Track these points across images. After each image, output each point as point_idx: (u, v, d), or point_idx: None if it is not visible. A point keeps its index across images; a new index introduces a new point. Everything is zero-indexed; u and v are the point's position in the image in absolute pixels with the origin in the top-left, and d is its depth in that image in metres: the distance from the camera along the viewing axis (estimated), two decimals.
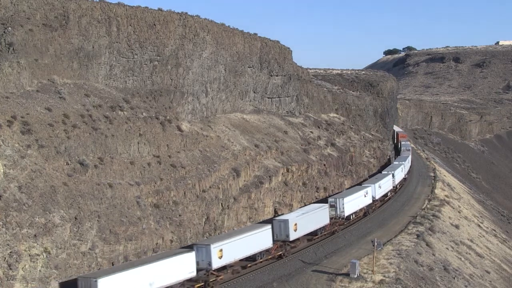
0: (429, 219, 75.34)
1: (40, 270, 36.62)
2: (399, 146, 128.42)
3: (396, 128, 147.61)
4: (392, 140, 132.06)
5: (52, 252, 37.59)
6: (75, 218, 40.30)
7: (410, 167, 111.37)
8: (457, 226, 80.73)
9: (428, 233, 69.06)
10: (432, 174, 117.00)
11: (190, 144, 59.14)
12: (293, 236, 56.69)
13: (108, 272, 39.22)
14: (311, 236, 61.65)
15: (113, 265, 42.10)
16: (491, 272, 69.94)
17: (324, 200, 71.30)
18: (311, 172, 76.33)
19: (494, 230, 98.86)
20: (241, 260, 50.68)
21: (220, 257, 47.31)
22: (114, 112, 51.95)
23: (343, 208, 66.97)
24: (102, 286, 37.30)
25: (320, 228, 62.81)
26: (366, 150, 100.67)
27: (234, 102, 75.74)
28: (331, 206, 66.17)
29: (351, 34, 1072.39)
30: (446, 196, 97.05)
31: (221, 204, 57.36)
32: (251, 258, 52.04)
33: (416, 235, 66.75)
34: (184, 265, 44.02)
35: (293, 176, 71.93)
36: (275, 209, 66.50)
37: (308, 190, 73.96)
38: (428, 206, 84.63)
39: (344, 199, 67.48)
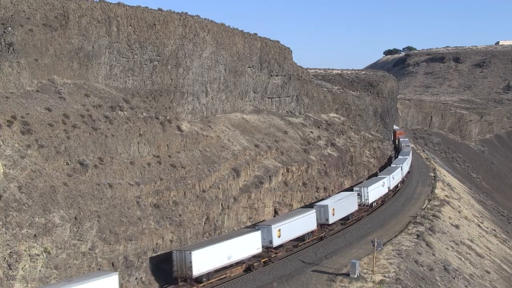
0: (429, 219, 75.29)
1: (40, 270, 36.61)
2: (398, 143, 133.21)
3: (394, 126, 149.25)
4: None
5: (52, 252, 37.58)
6: (75, 218, 40.29)
7: (411, 161, 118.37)
8: (457, 226, 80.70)
9: (428, 233, 69.03)
10: (432, 174, 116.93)
11: (190, 144, 59.12)
12: (331, 220, 63.98)
13: (199, 246, 46.69)
14: (344, 220, 68.49)
15: (113, 265, 42.12)
16: (491, 272, 69.91)
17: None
18: (311, 172, 76.29)
19: (494, 230, 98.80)
20: (291, 240, 57.47)
21: (279, 236, 54.77)
22: (114, 112, 51.94)
23: (368, 196, 74.66)
24: (195, 257, 44.47)
25: (350, 214, 69.96)
26: (366, 150, 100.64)
27: (234, 102, 75.72)
28: (357, 194, 73.18)
29: (351, 34, 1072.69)
30: (446, 196, 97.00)
31: (221, 204, 57.33)
32: (300, 239, 59.37)
33: (416, 235, 66.72)
34: (253, 242, 51.31)
35: (293, 176, 71.89)
36: (275, 209, 66.46)
37: (308, 190, 73.92)
38: (428, 206, 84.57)
39: (368, 188, 75.11)
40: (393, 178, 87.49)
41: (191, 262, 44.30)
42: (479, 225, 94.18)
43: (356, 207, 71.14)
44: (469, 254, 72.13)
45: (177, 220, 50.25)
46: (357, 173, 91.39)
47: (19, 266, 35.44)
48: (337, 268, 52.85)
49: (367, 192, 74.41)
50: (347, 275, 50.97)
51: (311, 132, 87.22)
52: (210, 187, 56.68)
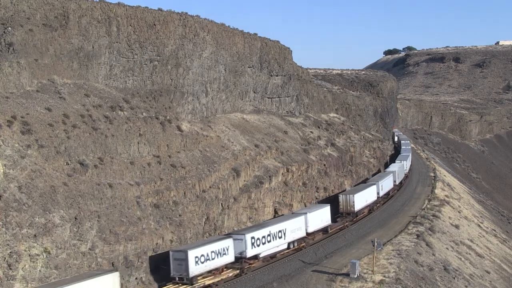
0: (429, 219, 75.30)
1: (40, 270, 36.62)
2: (393, 135, 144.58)
3: None
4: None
5: (52, 252, 37.59)
6: (75, 218, 40.30)
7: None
8: (457, 226, 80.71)
9: (428, 233, 69.04)
10: (432, 174, 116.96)
11: (190, 144, 59.13)
12: (397, 181, 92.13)
13: (354, 191, 71.80)
14: (400, 183, 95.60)
15: (113, 265, 42.14)
16: (491, 272, 69.92)
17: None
18: (311, 172, 76.27)
19: (494, 230, 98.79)
20: (385, 193, 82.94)
21: (381, 190, 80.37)
22: (114, 112, 51.94)
23: (407, 166, 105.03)
24: (356, 198, 69.15)
25: (403, 178, 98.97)
26: (366, 150, 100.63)
27: (234, 102, 75.72)
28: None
29: (351, 34, 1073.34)
30: (446, 196, 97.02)
31: (221, 204, 57.32)
32: (387, 193, 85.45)
33: (416, 235, 66.72)
34: (373, 192, 77.00)
35: (293, 176, 71.87)
36: (275, 209, 66.45)
37: (308, 190, 73.90)
38: (428, 206, 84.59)
39: (407, 160, 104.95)
40: (411, 157, 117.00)
41: (353, 202, 68.83)
42: (479, 225, 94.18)
43: (404, 175, 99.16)
44: (469, 254, 72.14)
45: (177, 220, 50.26)
46: (357, 173, 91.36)
47: (19, 266, 35.45)
48: (337, 268, 52.85)
49: (406, 163, 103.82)
50: (347, 275, 50.97)
51: (311, 132, 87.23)
52: (210, 187, 56.67)
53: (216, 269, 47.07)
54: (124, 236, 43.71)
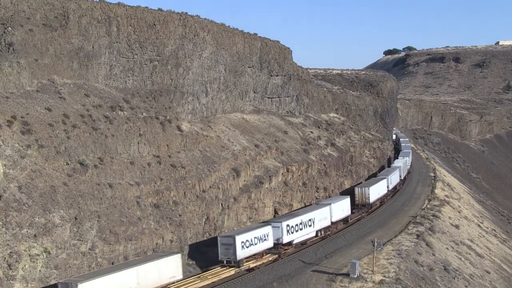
0: (429, 219, 75.31)
1: (40, 270, 36.63)
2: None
3: None
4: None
5: (52, 252, 37.60)
6: (75, 218, 40.31)
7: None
8: (457, 226, 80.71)
9: (428, 233, 69.04)
10: (432, 174, 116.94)
11: (190, 144, 59.13)
12: (402, 176, 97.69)
13: (368, 184, 77.60)
14: (404, 179, 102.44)
15: (113, 264, 42.15)
16: (491, 272, 69.92)
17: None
18: (311, 172, 76.27)
19: (494, 230, 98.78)
20: (393, 186, 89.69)
21: (390, 183, 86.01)
22: (114, 112, 51.95)
23: (409, 162, 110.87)
24: (371, 191, 74.71)
25: (407, 173, 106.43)
26: (366, 150, 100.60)
27: (234, 102, 75.71)
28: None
29: (351, 34, 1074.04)
30: (446, 196, 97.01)
31: (221, 204, 57.34)
32: (394, 188, 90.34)
33: (416, 235, 66.73)
34: (384, 186, 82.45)
35: (293, 176, 71.87)
36: (275, 209, 66.45)
37: (308, 190, 73.92)
38: (428, 206, 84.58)
39: (409, 156, 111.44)
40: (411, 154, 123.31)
41: (368, 194, 74.25)
42: (479, 225, 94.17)
43: (407, 170, 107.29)
44: (469, 254, 72.14)
45: (177, 220, 50.27)
46: (357, 173, 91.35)
47: (19, 266, 35.47)
48: (337, 268, 52.86)
49: (408, 160, 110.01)
50: (347, 275, 50.98)
51: (311, 132, 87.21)
52: (210, 187, 56.68)
53: (258, 253, 52.00)
54: (124, 236, 43.72)
